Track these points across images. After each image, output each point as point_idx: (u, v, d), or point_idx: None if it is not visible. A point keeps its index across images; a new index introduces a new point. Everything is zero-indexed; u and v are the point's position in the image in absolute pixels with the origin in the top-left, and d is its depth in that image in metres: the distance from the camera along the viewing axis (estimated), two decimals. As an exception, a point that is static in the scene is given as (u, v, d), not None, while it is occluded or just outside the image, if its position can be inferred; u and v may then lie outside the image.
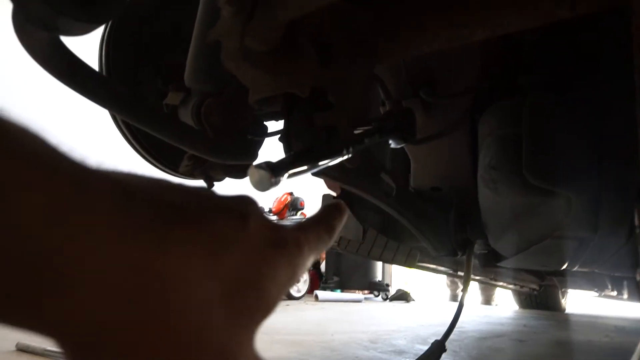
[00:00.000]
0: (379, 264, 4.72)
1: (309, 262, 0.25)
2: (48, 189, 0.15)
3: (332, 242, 0.27)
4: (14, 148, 0.15)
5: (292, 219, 4.32)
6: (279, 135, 0.76)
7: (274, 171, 0.37)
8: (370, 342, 1.71)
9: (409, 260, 1.29)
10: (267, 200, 4.32)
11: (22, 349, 1.28)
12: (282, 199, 4.37)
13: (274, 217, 4.13)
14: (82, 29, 0.42)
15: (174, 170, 0.80)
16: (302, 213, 4.45)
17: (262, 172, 0.36)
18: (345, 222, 0.94)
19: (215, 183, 0.75)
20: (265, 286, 0.21)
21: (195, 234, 0.18)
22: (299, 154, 0.46)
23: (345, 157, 0.50)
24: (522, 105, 0.84)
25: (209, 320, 0.18)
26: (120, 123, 0.78)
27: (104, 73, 0.82)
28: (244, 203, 0.22)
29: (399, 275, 5.25)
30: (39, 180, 0.15)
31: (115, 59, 0.84)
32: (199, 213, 0.19)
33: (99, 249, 0.15)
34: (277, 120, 0.96)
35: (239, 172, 0.73)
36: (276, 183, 0.37)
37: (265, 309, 0.21)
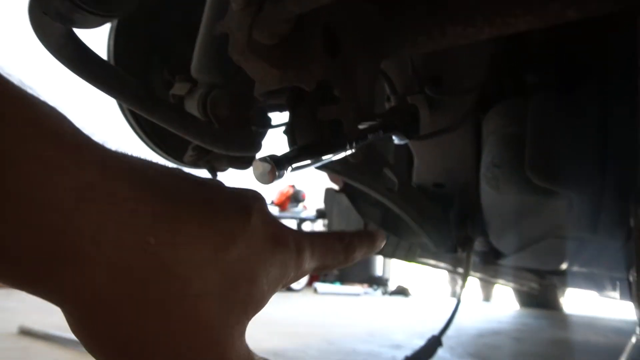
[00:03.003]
0: (379, 259, 4.74)
1: (309, 268, 0.25)
2: (74, 170, 0.16)
3: (348, 262, 0.27)
4: (44, 128, 0.16)
5: (294, 211, 4.34)
6: (283, 128, 0.76)
7: (278, 164, 0.37)
8: (368, 336, 1.72)
9: (409, 256, 1.29)
10: (270, 192, 4.33)
11: (24, 332, 1.30)
12: (285, 191, 4.38)
13: (275, 209, 4.15)
14: (97, 22, 0.43)
15: (178, 160, 0.80)
16: (303, 205, 4.47)
17: (266, 165, 0.37)
18: (347, 215, 0.96)
19: (218, 173, 0.75)
20: (259, 281, 0.21)
21: (203, 227, 0.19)
22: (303, 148, 0.47)
23: (349, 152, 0.51)
24: (527, 104, 0.84)
25: (205, 308, 0.19)
26: (126, 111, 0.78)
27: (111, 63, 0.83)
28: (251, 198, 0.23)
29: (398, 271, 5.27)
30: (67, 161, 0.16)
31: (123, 49, 0.85)
32: (207, 206, 0.20)
33: (115, 232, 0.17)
34: (281, 111, 0.96)
35: (242, 163, 0.74)
36: (280, 176, 0.38)
37: (256, 303, 0.22)
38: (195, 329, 0.19)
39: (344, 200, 1.39)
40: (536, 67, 0.89)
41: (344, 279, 4.28)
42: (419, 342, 1.63)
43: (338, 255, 0.27)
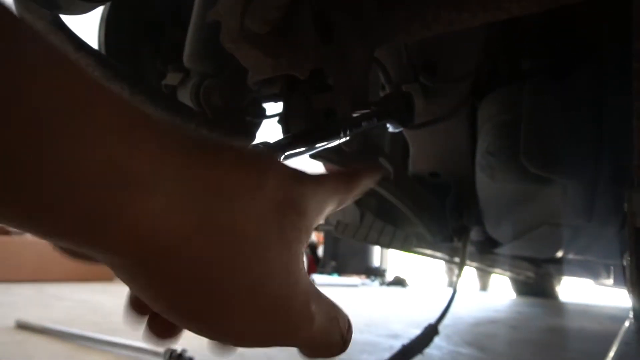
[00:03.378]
0: (377, 249, 4.75)
1: (333, 201, 0.26)
2: (129, 126, 0.17)
3: (350, 198, 0.28)
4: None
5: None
6: (277, 118, 0.76)
7: (271, 152, 0.37)
8: (365, 326, 1.73)
9: (405, 245, 1.30)
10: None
11: (21, 326, 1.29)
12: (281, 184, 4.38)
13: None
14: (84, 8, 0.42)
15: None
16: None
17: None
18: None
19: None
20: (301, 208, 0.23)
21: (242, 157, 0.21)
22: (296, 136, 0.46)
23: (343, 139, 0.51)
24: (522, 91, 0.84)
25: (267, 231, 0.20)
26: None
27: (103, 52, 0.82)
28: (255, 148, 0.26)
29: (396, 261, 5.29)
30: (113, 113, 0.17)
31: (114, 38, 0.84)
32: (233, 145, 0.22)
33: (174, 168, 0.18)
34: (276, 101, 0.96)
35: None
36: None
37: (306, 229, 0.23)
38: (263, 251, 0.20)
39: (340, 190, 1.39)
40: (531, 52, 0.89)
41: (341, 270, 4.30)
42: (417, 332, 1.64)
43: (345, 192, 0.27)
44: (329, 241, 4.37)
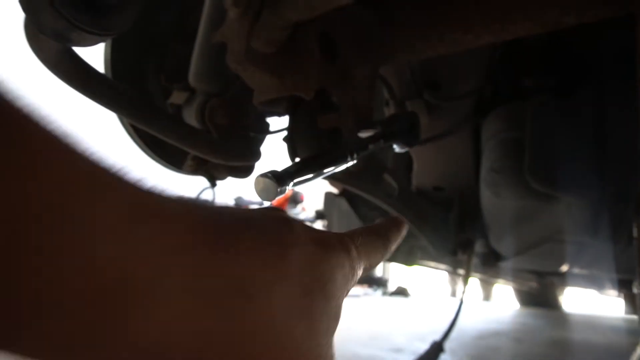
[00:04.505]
0: (379, 260, 4.73)
1: (360, 267, 0.24)
2: (127, 219, 0.15)
3: (387, 254, 0.27)
4: (82, 176, 0.15)
5: (292, 212, 4.33)
6: (282, 134, 0.76)
7: (279, 180, 0.37)
8: (369, 339, 1.72)
9: (409, 259, 1.29)
10: (268, 194, 4.33)
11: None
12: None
13: (274, 211, 4.15)
14: (94, 41, 0.43)
15: (178, 169, 0.80)
16: (302, 207, 4.46)
17: (268, 181, 0.36)
18: (347, 219, 0.96)
19: (217, 182, 0.75)
20: (329, 288, 0.20)
21: (259, 240, 0.19)
22: (304, 162, 0.47)
23: (350, 163, 0.51)
24: (525, 108, 0.84)
25: (295, 325, 0.18)
26: (125, 122, 0.78)
27: (107, 72, 0.82)
28: (277, 211, 0.23)
29: (398, 271, 5.27)
30: (111, 205, 0.15)
31: (119, 55, 0.84)
32: (250, 224, 0.20)
33: (183, 264, 0.16)
34: (279, 116, 0.96)
35: (242, 172, 0.73)
36: (282, 192, 0.37)
37: (334, 313, 0.21)
38: (291, 346, 0.18)
39: (344, 204, 1.39)
40: (533, 71, 0.89)
41: (343, 280, 4.28)
42: (420, 345, 1.63)
43: (380, 252, 0.26)
44: (331, 251, 4.35)
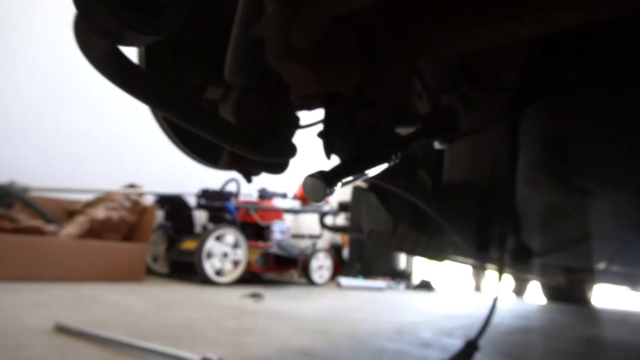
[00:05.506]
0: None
1: None
2: None
3: None
4: None
5: (315, 204, 4.33)
6: (317, 130, 0.75)
7: (328, 180, 0.36)
8: (395, 333, 1.71)
9: (439, 255, 1.27)
10: (291, 185, 4.34)
11: (60, 329, 1.32)
12: (306, 185, 4.37)
13: (297, 203, 4.15)
14: (145, 41, 0.42)
15: (213, 164, 0.80)
16: (325, 200, 4.46)
17: (317, 182, 0.36)
18: (375, 213, 0.95)
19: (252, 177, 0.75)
20: None
21: None
22: (350, 163, 0.46)
23: (393, 162, 0.49)
24: (569, 102, 0.80)
25: None
26: (160, 118, 0.78)
27: (143, 66, 0.83)
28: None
29: (421, 264, 5.22)
30: None
31: (154, 52, 0.84)
32: None
33: None
34: (309, 110, 0.95)
35: (277, 168, 0.73)
36: (330, 193, 0.37)
37: None
38: None
39: (373, 198, 1.37)
40: (578, 62, 0.85)
41: (366, 272, 4.27)
42: (448, 341, 1.61)
43: None
44: (355, 243, 4.35)
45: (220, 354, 1.01)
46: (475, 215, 1.14)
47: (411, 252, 1.31)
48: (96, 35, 0.41)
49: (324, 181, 0.36)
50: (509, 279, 4.37)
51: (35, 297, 1.97)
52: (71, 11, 0.42)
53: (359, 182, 0.45)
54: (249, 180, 0.72)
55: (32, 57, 3.25)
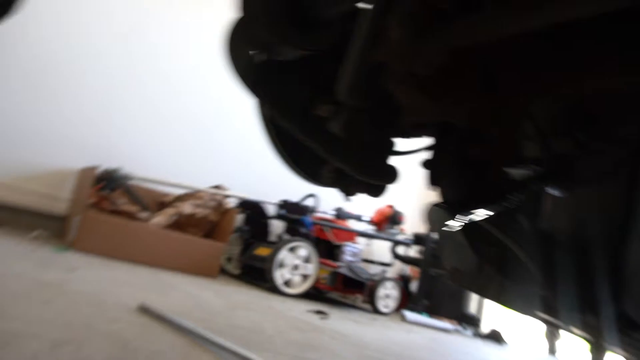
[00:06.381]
0: (474, 296, 4.46)
1: None
2: None
3: None
4: None
5: (390, 232, 4.26)
6: (421, 160, 0.74)
7: (453, 212, 0.36)
8: (463, 381, 1.62)
9: (526, 309, 1.19)
10: (368, 209, 4.32)
11: (143, 310, 1.42)
12: (384, 211, 4.33)
13: (372, 227, 4.11)
14: (296, 54, 0.46)
15: (313, 179, 0.82)
16: (400, 228, 4.37)
17: (441, 212, 0.36)
18: (460, 251, 0.91)
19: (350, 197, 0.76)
20: None
21: None
22: (476, 199, 0.45)
23: (510, 205, 0.48)
24: None
25: None
26: (271, 131, 0.82)
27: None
28: None
29: (492, 313, 4.91)
30: None
31: (265, 65, 0.90)
32: None
33: None
34: (405, 137, 0.95)
35: (376, 191, 0.73)
36: (452, 226, 0.36)
37: None
38: None
39: (459, 236, 1.32)
40: None
41: (433, 310, 4.10)
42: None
43: None
44: (425, 278, 4.20)
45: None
46: (574, 271, 1.05)
47: (495, 298, 1.24)
48: (250, 46, 0.45)
49: (449, 212, 0.35)
50: (587, 348, 3.95)
51: (125, 276, 2.14)
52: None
53: (475, 219, 0.44)
54: (347, 199, 0.73)
55: (152, 54, 3.59)
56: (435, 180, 0.65)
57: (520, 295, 1.21)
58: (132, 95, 3.47)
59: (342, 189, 0.72)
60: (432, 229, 0.45)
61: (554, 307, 1.26)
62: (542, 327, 4.38)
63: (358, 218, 4.04)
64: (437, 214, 0.35)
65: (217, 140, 3.91)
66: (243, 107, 3.88)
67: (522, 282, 1.21)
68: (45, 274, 1.64)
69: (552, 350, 4.29)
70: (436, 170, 0.65)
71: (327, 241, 3.69)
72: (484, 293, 1.22)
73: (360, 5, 0.79)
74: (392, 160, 0.95)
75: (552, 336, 4.36)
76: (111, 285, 1.79)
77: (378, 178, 0.67)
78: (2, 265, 1.61)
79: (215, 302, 2.05)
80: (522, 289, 1.22)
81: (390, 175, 0.69)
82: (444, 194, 0.67)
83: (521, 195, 0.52)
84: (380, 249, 4.69)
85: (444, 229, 0.34)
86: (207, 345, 1.18)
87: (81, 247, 2.49)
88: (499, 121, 0.63)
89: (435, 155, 0.69)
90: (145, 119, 3.53)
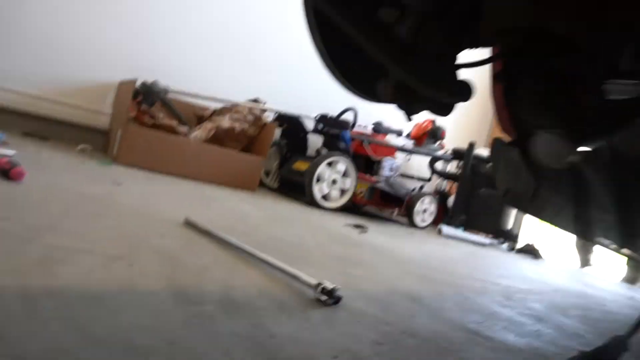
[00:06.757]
0: (512, 211, 4.41)
1: None
2: None
3: None
4: None
5: (430, 147, 4.15)
6: (497, 74, 0.65)
7: (574, 142, 0.28)
8: (504, 299, 1.62)
9: (586, 233, 1.12)
10: (406, 124, 4.17)
11: (189, 224, 1.45)
12: (423, 125, 4.18)
13: (411, 142, 4.01)
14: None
15: (366, 94, 0.74)
16: (440, 144, 4.25)
17: (561, 145, 0.28)
18: (516, 171, 0.81)
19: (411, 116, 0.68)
20: None
21: None
22: (598, 123, 0.37)
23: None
24: None
25: None
26: (319, 38, 0.73)
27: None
28: None
29: (529, 228, 4.88)
30: None
31: None
32: None
33: None
34: (475, 47, 0.83)
35: (442, 109, 0.65)
36: (571, 162, 0.29)
37: None
38: None
39: (515, 155, 1.23)
40: None
41: (470, 225, 4.10)
42: (563, 320, 1.49)
43: None
44: (463, 193, 4.15)
45: (332, 282, 1.03)
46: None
47: (551, 221, 1.18)
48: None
49: (570, 145, 0.28)
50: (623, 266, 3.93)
51: (168, 189, 2.19)
52: None
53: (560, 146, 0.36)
54: (409, 118, 0.65)
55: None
56: (510, 93, 0.56)
57: (579, 221, 1.14)
58: (169, 6, 3.32)
59: (403, 107, 0.64)
60: (545, 161, 0.39)
61: (613, 230, 1.19)
62: (575, 241, 4.34)
63: (398, 133, 3.92)
64: (550, 143, 0.28)
65: (255, 52, 3.76)
66: (281, 18, 3.67)
67: (582, 207, 1.14)
68: (93, 187, 1.68)
69: (584, 263, 4.28)
70: (510, 82, 0.56)
71: (365, 156, 3.63)
72: (538, 215, 1.16)
73: None
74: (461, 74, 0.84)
75: (585, 250, 4.32)
76: (155, 199, 1.83)
77: (448, 94, 0.58)
78: (51, 179, 1.65)
79: (255, 215, 2.09)
80: (582, 214, 1.14)
81: (464, 92, 0.60)
82: (520, 112, 0.58)
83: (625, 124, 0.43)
84: (419, 164, 4.62)
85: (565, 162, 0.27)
86: (252, 260, 1.20)
87: (124, 161, 2.54)
88: (605, 27, 0.51)
89: (512, 66, 0.59)
90: (182, 31, 3.40)
